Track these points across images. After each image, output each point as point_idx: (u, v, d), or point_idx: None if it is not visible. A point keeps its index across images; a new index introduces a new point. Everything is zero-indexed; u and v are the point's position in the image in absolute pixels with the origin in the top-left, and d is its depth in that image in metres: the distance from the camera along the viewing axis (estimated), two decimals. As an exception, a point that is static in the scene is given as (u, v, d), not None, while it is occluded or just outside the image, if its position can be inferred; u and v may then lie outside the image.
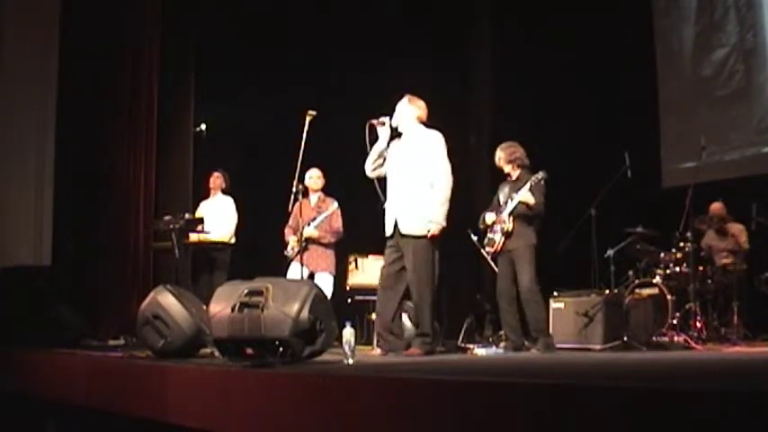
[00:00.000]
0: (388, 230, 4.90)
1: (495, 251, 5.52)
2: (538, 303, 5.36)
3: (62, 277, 6.94)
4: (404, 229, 4.81)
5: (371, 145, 5.00)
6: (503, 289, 5.53)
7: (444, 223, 4.79)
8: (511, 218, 5.43)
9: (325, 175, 6.55)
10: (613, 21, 8.30)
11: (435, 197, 4.79)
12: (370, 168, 5.05)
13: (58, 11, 7.52)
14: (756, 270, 6.69)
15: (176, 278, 6.17)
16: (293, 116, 5.59)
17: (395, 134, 5.06)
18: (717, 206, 7.04)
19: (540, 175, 5.41)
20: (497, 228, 5.50)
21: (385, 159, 5.02)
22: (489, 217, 5.61)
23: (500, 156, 5.65)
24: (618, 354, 5.28)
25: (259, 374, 3.08)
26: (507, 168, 5.64)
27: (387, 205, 4.95)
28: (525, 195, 5.37)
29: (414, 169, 4.85)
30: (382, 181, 5.04)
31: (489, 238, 5.60)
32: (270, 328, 3.40)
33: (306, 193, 6.07)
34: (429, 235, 4.74)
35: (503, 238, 5.45)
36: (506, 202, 5.51)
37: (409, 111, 4.99)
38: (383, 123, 4.97)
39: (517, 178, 5.58)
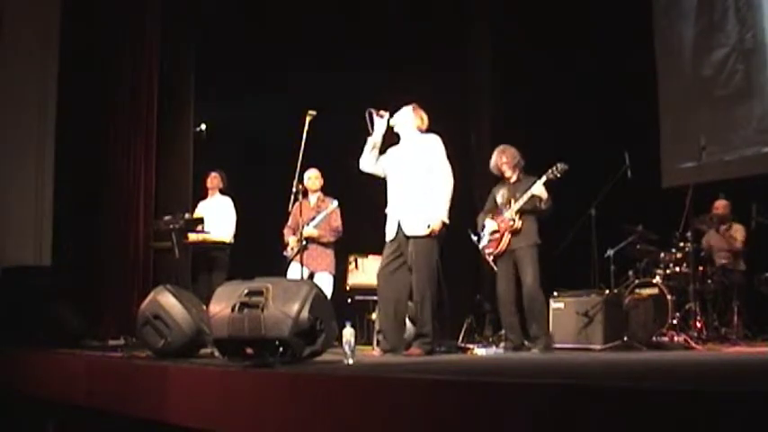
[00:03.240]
0: (390, 234, 4.90)
1: (500, 251, 5.52)
2: (541, 304, 5.38)
3: (62, 277, 6.94)
4: (408, 231, 4.82)
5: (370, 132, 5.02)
6: (503, 289, 5.54)
7: (447, 220, 4.80)
8: (518, 215, 5.44)
9: (324, 175, 6.55)
10: (613, 20, 8.30)
11: (437, 197, 4.81)
12: (364, 161, 5.06)
13: (59, 11, 7.53)
14: (756, 270, 6.69)
15: (176, 278, 6.16)
16: (293, 116, 5.59)
17: (395, 137, 5.06)
18: (721, 203, 7.02)
19: (560, 166, 5.39)
20: (502, 227, 5.51)
21: (378, 155, 5.03)
22: (489, 224, 5.60)
23: (504, 160, 5.63)
24: (618, 354, 5.28)
25: (259, 374, 3.07)
26: (509, 173, 5.64)
27: (388, 210, 4.96)
28: (539, 189, 5.36)
29: (415, 173, 4.87)
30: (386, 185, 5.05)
31: (489, 240, 5.60)
32: (270, 328, 3.40)
33: (305, 193, 6.08)
34: (430, 231, 4.74)
35: (509, 237, 5.46)
36: (509, 203, 5.51)
37: (411, 118, 5.02)
38: (382, 116, 4.99)
39: (517, 180, 5.59)
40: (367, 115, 4.99)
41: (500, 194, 5.64)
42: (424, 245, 4.76)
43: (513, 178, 5.63)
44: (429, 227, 4.74)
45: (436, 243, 4.83)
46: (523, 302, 5.38)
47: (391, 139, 5.10)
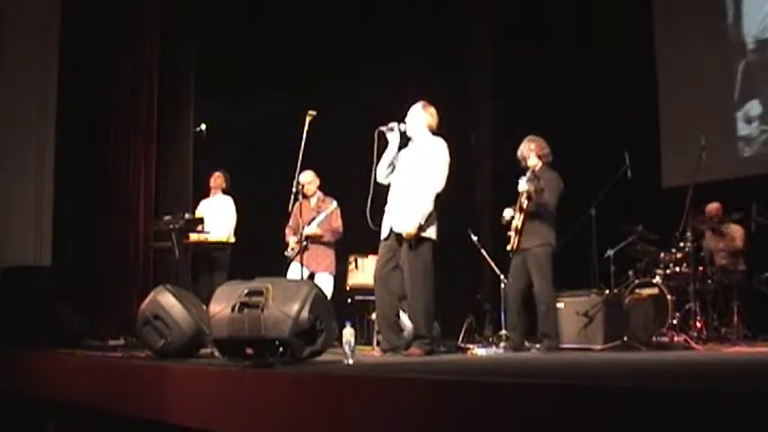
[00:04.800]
0: (385, 232, 4.90)
1: (512, 248, 5.51)
2: (548, 306, 5.35)
3: (62, 277, 6.94)
4: (397, 229, 4.82)
5: (380, 152, 4.98)
6: (511, 287, 5.54)
7: (423, 223, 4.72)
8: (520, 214, 5.42)
9: (325, 175, 6.55)
10: (613, 20, 8.30)
11: (421, 196, 4.77)
12: (383, 175, 5.02)
13: (59, 11, 7.53)
14: (756, 270, 6.69)
15: (176, 278, 6.16)
16: (293, 116, 5.59)
17: (405, 140, 5.05)
18: (713, 207, 7.05)
19: (529, 174, 5.39)
20: (512, 225, 5.51)
21: (395, 166, 5.01)
22: (507, 212, 5.58)
23: (531, 146, 5.57)
24: (618, 354, 5.28)
25: (259, 374, 3.07)
26: (533, 161, 5.57)
27: (386, 208, 4.96)
28: (523, 185, 5.34)
29: (416, 176, 4.85)
30: (378, 194, 5.03)
31: (508, 235, 5.59)
32: (270, 328, 3.40)
33: (305, 194, 6.08)
34: (405, 234, 4.72)
35: (516, 236, 5.44)
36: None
37: (421, 117, 4.98)
38: (392, 129, 4.97)
39: (539, 173, 5.54)
40: (377, 135, 4.96)
41: None
42: (414, 246, 4.76)
43: (536, 170, 5.55)
44: (406, 232, 4.72)
45: (429, 244, 4.81)
46: (535, 302, 5.38)
47: (404, 139, 5.08)
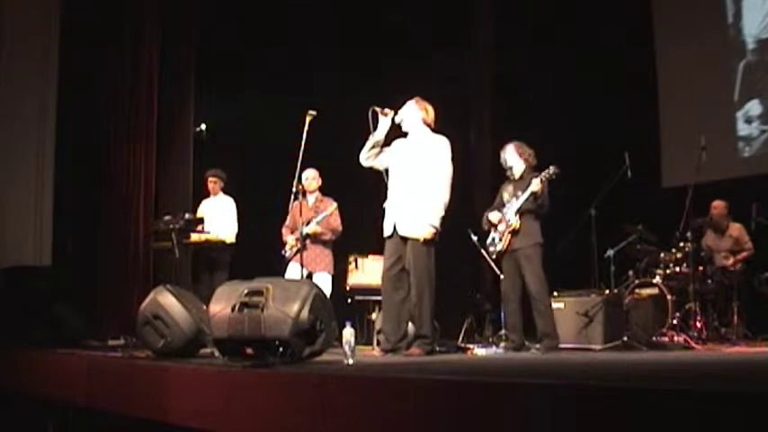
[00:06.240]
0: (387, 231, 4.89)
1: (502, 251, 5.51)
2: (547, 306, 5.36)
3: (62, 277, 6.94)
4: (402, 231, 4.81)
5: (374, 130, 4.99)
6: (507, 288, 5.52)
7: (439, 227, 4.75)
8: (518, 215, 5.42)
9: (324, 175, 6.55)
10: (613, 21, 8.30)
11: (433, 201, 4.79)
12: (364, 157, 5.02)
13: (59, 11, 7.53)
14: (756, 270, 6.69)
15: (176, 278, 6.16)
16: (293, 116, 5.59)
17: (400, 132, 5.05)
18: (718, 204, 7.04)
19: (552, 169, 5.38)
20: (502, 227, 5.50)
21: (380, 150, 5.01)
22: (494, 216, 5.59)
23: (513, 149, 5.62)
24: (618, 354, 5.28)
25: (259, 374, 3.07)
26: (518, 165, 5.60)
27: (387, 205, 4.94)
28: (537, 185, 5.34)
29: (417, 172, 4.84)
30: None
31: (493, 238, 5.58)
32: (270, 328, 3.40)
33: (305, 193, 6.08)
34: (422, 239, 4.74)
35: (509, 237, 5.44)
36: (511, 201, 5.50)
37: (415, 111, 4.98)
38: (386, 114, 4.96)
39: (521, 177, 5.56)
40: (370, 113, 4.96)
41: (507, 192, 5.62)
42: (419, 247, 4.75)
43: (518, 174, 5.59)
44: (421, 236, 4.72)
45: (433, 244, 4.80)
46: (531, 303, 5.38)
47: (395, 132, 5.07)
